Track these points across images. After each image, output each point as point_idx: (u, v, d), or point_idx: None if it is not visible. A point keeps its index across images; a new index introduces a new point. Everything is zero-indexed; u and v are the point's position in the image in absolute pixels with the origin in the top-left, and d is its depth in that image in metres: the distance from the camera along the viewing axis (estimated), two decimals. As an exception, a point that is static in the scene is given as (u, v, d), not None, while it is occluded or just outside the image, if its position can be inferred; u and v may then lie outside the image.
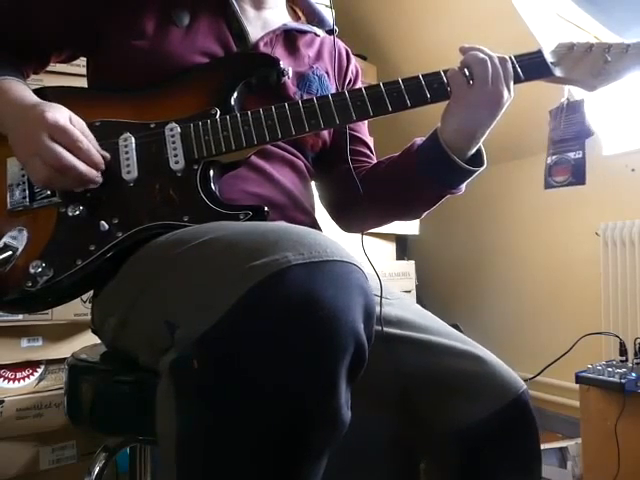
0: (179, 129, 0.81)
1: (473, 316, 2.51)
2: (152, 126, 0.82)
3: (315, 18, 1.03)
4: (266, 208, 0.77)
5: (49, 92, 0.86)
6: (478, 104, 0.83)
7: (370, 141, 1.08)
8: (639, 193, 1.98)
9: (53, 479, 1.44)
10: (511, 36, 2.05)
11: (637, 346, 1.65)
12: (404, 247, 2.52)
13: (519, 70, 0.86)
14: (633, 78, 0.88)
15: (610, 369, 1.58)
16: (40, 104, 0.78)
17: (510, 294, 2.44)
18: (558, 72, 0.87)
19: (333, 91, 0.98)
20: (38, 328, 1.42)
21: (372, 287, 0.59)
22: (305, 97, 0.92)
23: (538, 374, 1.73)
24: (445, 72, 0.85)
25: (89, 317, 0.92)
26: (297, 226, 0.60)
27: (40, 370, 1.45)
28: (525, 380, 0.83)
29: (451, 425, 0.77)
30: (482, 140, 0.87)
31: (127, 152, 0.80)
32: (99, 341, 0.89)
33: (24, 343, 1.41)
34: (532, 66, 0.87)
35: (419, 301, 2.21)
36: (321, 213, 1.05)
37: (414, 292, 2.25)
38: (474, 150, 0.87)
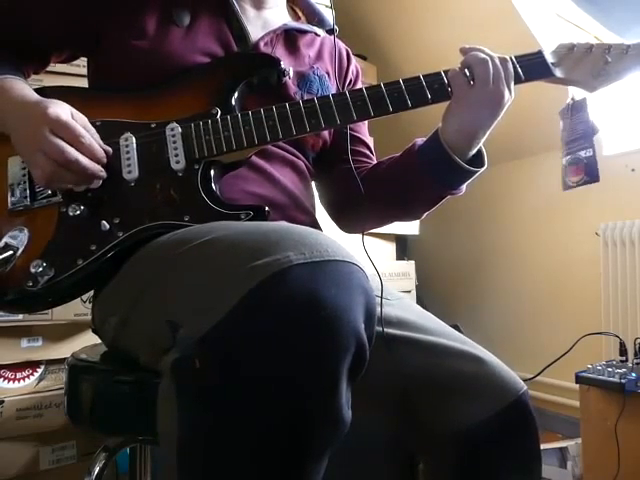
0: (180, 129, 0.81)
1: (473, 316, 2.51)
2: (153, 126, 0.82)
3: (315, 18, 1.03)
4: (267, 208, 0.77)
5: (49, 92, 0.86)
6: (479, 104, 0.83)
7: (370, 141, 1.08)
8: (639, 193, 1.98)
9: (53, 479, 1.44)
10: (511, 36, 2.05)
11: (637, 346, 1.65)
12: (404, 247, 2.52)
13: (520, 71, 0.86)
14: (633, 79, 0.88)
15: (610, 369, 1.58)
16: (42, 101, 0.78)
17: (510, 294, 2.44)
18: (558, 73, 0.88)
19: (334, 91, 0.98)
20: (38, 328, 1.42)
21: (373, 287, 0.59)
22: (306, 97, 0.92)
23: (538, 374, 1.72)
24: (446, 72, 0.85)
25: (89, 317, 0.92)
26: (299, 226, 0.60)
27: (40, 370, 1.45)
28: (525, 380, 0.83)
29: (451, 426, 0.77)
30: (483, 141, 0.87)
31: (128, 152, 0.80)
32: (99, 341, 0.89)
33: (24, 343, 1.41)
34: (533, 66, 0.87)
35: (419, 301, 2.21)
36: (321, 213, 1.05)
37: (414, 292, 2.25)
38: (475, 150, 0.87)
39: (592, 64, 0.87)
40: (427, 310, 0.92)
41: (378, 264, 0.86)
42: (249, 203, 0.82)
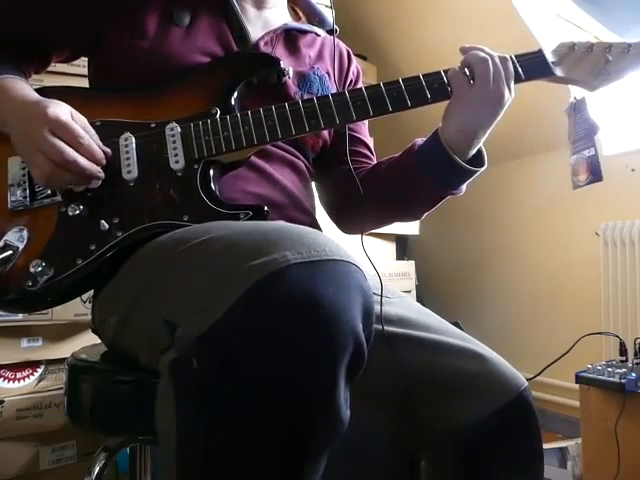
0: (179, 129, 0.81)
1: (473, 316, 2.51)
2: (152, 126, 0.82)
3: (316, 18, 1.03)
4: (266, 208, 0.77)
5: (50, 92, 0.86)
6: (479, 103, 0.83)
7: (370, 142, 1.08)
8: (639, 193, 1.98)
9: (53, 479, 1.44)
10: (511, 36, 2.05)
11: (637, 346, 1.65)
12: (404, 247, 2.52)
13: (520, 70, 0.86)
14: (634, 78, 0.88)
15: (610, 369, 1.58)
16: (42, 101, 0.78)
17: (510, 294, 2.44)
18: (559, 72, 0.87)
19: (334, 92, 0.98)
20: (38, 328, 1.42)
21: (372, 287, 0.59)
22: (306, 97, 0.92)
23: (538, 374, 1.72)
24: (445, 72, 0.85)
25: (89, 317, 0.92)
26: (297, 226, 0.60)
27: (40, 370, 1.45)
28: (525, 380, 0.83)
29: (452, 424, 0.77)
30: (483, 140, 0.87)
31: (127, 152, 0.80)
32: (99, 341, 0.89)
33: (24, 343, 1.41)
34: (533, 66, 0.87)
35: (419, 301, 2.20)
36: (321, 213, 1.05)
37: (414, 292, 2.25)
38: (475, 150, 0.87)
39: (593, 63, 0.87)
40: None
41: (378, 264, 0.86)
42: (248, 203, 0.82)
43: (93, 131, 0.79)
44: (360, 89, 0.84)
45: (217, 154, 0.80)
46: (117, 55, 0.88)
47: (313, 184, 1.05)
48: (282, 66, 0.87)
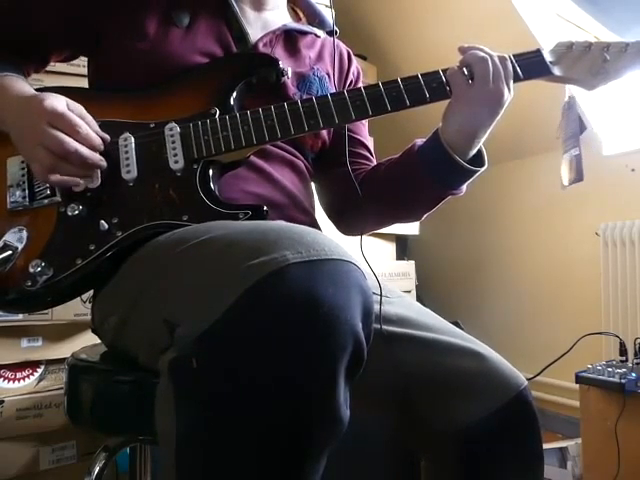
0: (179, 129, 0.81)
1: (473, 316, 2.51)
2: (152, 126, 0.82)
3: (316, 19, 1.03)
4: (265, 207, 0.77)
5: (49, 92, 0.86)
6: (479, 103, 0.83)
7: (370, 143, 1.07)
8: (639, 193, 1.98)
9: (53, 479, 1.44)
10: (511, 36, 2.05)
11: (637, 346, 1.65)
12: (404, 247, 2.52)
13: (518, 69, 0.86)
14: (632, 77, 0.88)
15: (610, 369, 1.58)
16: (37, 95, 0.78)
17: (510, 294, 2.44)
18: (557, 71, 0.87)
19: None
20: (38, 328, 1.42)
21: (371, 286, 0.59)
22: (305, 98, 0.92)
23: (538, 374, 1.72)
24: (444, 71, 0.85)
25: (89, 317, 0.92)
26: (297, 225, 0.60)
27: (40, 370, 1.45)
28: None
29: (451, 424, 0.77)
30: (483, 140, 0.87)
31: (127, 152, 0.80)
32: (99, 341, 0.89)
33: (24, 343, 1.41)
34: (531, 65, 0.87)
35: (419, 301, 2.19)
36: (321, 213, 1.05)
37: (414, 292, 2.25)
38: (475, 150, 0.87)
39: (591, 62, 0.87)
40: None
41: (378, 264, 0.86)
42: (248, 203, 0.82)
43: (90, 117, 0.79)
44: (359, 89, 0.84)
45: (216, 154, 0.80)
46: (117, 55, 0.88)
47: (313, 184, 1.05)
48: (281, 66, 0.87)
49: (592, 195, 2.05)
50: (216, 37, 0.90)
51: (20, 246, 0.76)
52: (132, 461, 0.95)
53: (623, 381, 1.51)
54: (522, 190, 2.39)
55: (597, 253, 2.03)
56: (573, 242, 2.19)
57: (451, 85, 0.84)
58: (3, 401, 1.37)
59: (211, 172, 0.80)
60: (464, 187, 0.91)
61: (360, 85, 1.07)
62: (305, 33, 1.00)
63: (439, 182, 0.89)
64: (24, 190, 0.81)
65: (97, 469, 0.85)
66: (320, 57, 1.01)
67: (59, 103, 0.77)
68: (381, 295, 0.80)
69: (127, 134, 0.81)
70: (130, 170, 0.79)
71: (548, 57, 0.87)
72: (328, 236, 0.59)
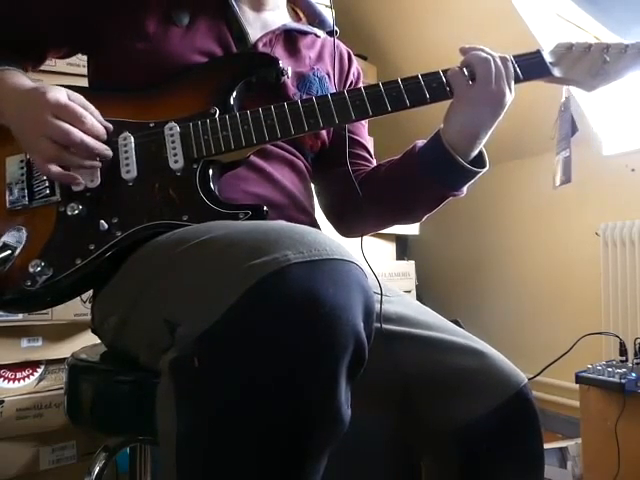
0: (178, 128, 0.81)
1: (473, 316, 2.51)
2: (151, 125, 0.82)
3: (316, 19, 1.03)
4: (265, 207, 0.77)
5: None
6: (481, 103, 0.83)
7: (369, 144, 1.07)
8: (639, 193, 1.98)
9: (53, 479, 1.44)
10: (511, 36, 2.04)
11: (637, 346, 1.65)
12: (404, 247, 2.52)
13: (518, 70, 0.86)
14: (632, 78, 0.88)
15: (610, 369, 1.58)
16: (38, 87, 0.79)
17: (510, 294, 2.44)
18: (557, 72, 0.88)
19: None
20: (38, 328, 1.42)
21: (371, 285, 0.59)
22: (304, 98, 0.91)
23: (538, 374, 1.72)
24: (444, 72, 0.85)
25: (89, 317, 0.92)
26: (297, 225, 0.60)
27: (40, 370, 1.45)
28: (525, 380, 0.83)
29: (451, 423, 0.77)
30: (484, 141, 0.86)
31: (126, 151, 0.80)
32: (99, 341, 0.89)
33: (24, 343, 1.41)
34: (531, 66, 0.87)
35: (419, 301, 2.20)
36: (321, 214, 1.05)
37: (414, 292, 2.25)
38: (476, 152, 0.87)
39: (590, 63, 0.87)
40: (427, 309, 0.92)
41: (378, 264, 0.86)
42: (248, 203, 0.82)
43: (93, 107, 0.80)
44: (359, 89, 0.84)
45: (216, 154, 0.80)
46: (116, 55, 0.88)
47: (312, 185, 1.04)
48: (281, 66, 0.87)
49: (592, 195, 2.05)
50: (216, 37, 0.90)
51: (19, 246, 0.76)
52: (132, 461, 0.95)
53: (623, 381, 1.51)
54: (522, 190, 2.39)
55: (597, 253, 2.03)
56: (573, 242, 2.19)
57: (452, 86, 0.84)
58: (3, 401, 1.37)
59: (211, 172, 0.80)
60: (465, 189, 0.91)
61: (360, 86, 1.07)
62: (305, 33, 1.00)
63: (439, 182, 0.89)
64: (23, 189, 0.80)
65: (97, 469, 0.85)
66: (320, 57, 1.01)
67: (61, 94, 0.77)
68: (381, 294, 0.80)
69: (127, 133, 0.81)
70: (130, 170, 0.79)
71: (548, 58, 0.87)
72: (328, 236, 0.59)
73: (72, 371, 0.83)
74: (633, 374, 1.53)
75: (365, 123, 1.07)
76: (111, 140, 0.80)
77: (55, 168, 0.76)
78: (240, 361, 0.51)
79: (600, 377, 1.58)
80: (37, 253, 0.76)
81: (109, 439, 0.88)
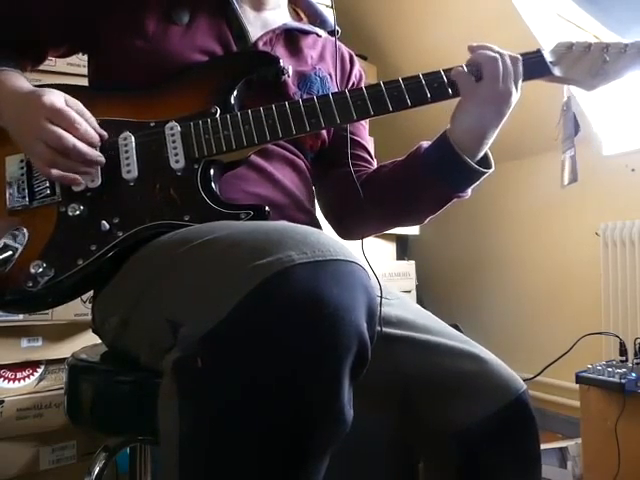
0: (179, 128, 0.81)
1: (473, 316, 2.51)
2: (152, 125, 0.82)
3: (317, 19, 1.03)
4: (267, 208, 0.77)
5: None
6: (488, 102, 0.83)
7: (370, 145, 1.06)
8: (639, 193, 1.98)
9: (53, 479, 1.44)
10: (511, 36, 2.04)
11: (637, 346, 1.65)
12: (404, 247, 2.52)
13: None
14: (632, 78, 0.88)
15: (610, 369, 1.58)
16: (35, 90, 0.79)
17: (510, 294, 2.44)
18: (557, 71, 0.87)
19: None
20: (38, 328, 1.42)
21: (373, 286, 0.59)
22: (305, 97, 0.91)
23: (538, 374, 1.72)
24: (445, 71, 0.85)
25: (89, 317, 0.92)
26: (300, 225, 0.60)
27: (40, 370, 1.45)
28: (525, 380, 0.83)
29: (450, 425, 0.77)
30: (491, 141, 0.86)
31: (127, 151, 0.80)
32: (99, 341, 0.89)
33: (24, 343, 1.41)
34: (532, 65, 0.87)
35: (419, 301, 2.21)
36: (320, 214, 1.04)
37: (414, 292, 2.25)
38: (483, 152, 0.87)
39: (590, 63, 0.87)
40: (427, 310, 0.92)
41: (378, 264, 0.86)
42: (249, 203, 0.82)
43: (89, 114, 0.79)
44: (360, 88, 0.84)
45: (217, 153, 0.80)
46: (116, 54, 0.88)
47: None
48: (281, 64, 0.87)
49: (592, 195, 2.05)
50: (216, 35, 0.90)
51: (20, 246, 0.76)
52: (132, 461, 0.95)
53: (623, 381, 1.51)
54: (522, 190, 2.39)
55: (597, 253, 2.03)
56: (573, 242, 2.19)
57: (459, 85, 0.83)
58: (3, 401, 1.37)
59: (212, 172, 0.80)
60: (469, 190, 0.90)
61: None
62: (306, 33, 0.99)
63: (445, 182, 0.88)
64: (24, 189, 0.80)
65: (97, 469, 0.85)
66: (322, 58, 1.00)
67: (57, 99, 0.77)
68: (381, 297, 0.80)
69: (127, 133, 0.81)
70: (131, 170, 0.79)
71: (548, 57, 0.87)
72: (331, 236, 0.59)
73: (72, 371, 0.83)
74: (633, 374, 1.53)
75: (366, 124, 1.07)
76: (111, 140, 0.80)
77: (55, 171, 0.76)
78: (243, 361, 0.50)
79: (600, 377, 1.58)
80: (38, 254, 0.76)
81: (109, 439, 0.88)
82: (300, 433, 0.51)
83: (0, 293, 0.75)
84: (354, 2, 2.49)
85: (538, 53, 0.87)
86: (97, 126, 0.79)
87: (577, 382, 1.64)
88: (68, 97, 0.79)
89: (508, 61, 0.83)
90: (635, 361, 1.62)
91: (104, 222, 0.76)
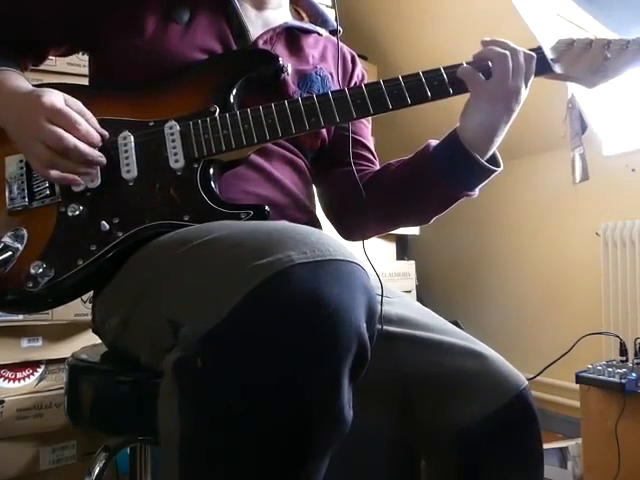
0: (178, 127, 0.81)
1: (473, 316, 2.51)
2: (151, 124, 0.82)
3: (319, 19, 1.03)
4: (267, 207, 0.77)
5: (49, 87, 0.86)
6: (497, 99, 0.82)
7: (372, 144, 1.06)
8: (639, 193, 1.98)
9: (53, 479, 1.44)
10: (511, 36, 2.03)
11: (637, 346, 1.65)
12: (404, 247, 2.52)
13: None
14: (632, 78, 0.88)
15: (610, 369, 1.58)
16: (35, 90, 0.78)
17: (510, 294, 2.44)
18: (558, 69, 0.87)
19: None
20: (38, 328, 1.42)
21: (373, 286, 0.59)
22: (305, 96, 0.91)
23: (538, 374, 1.72)
24: (446, 69, 0.84)
25: (89, 317, 0.92)
26: (300, 225, 0.60)
27: (40, 370, 1.45)
28: (525, 380, 0.83)
29: (451, 424, 0.77)
30: (501, 139, 0.85)
31: (126, 151, 0.80)
32: (99, 341, 0.89)
33: (24, 343, 1.41)
34: None
35: (419, 301, 2.19)
36: (321, 213, 1.04)
37: (414, 292, 2.25)
38: (493, 150, 0.86)
39: (591, 60, 0.87)
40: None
41: (378, 264, 0.86)
42: (249, 202, 0.82)
43: (89, 113, 0.79)
44: (360, 87, 0.83)
45: (217, 153, 0.80)
46: (116, 53, 0.88)
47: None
48: (281, 63, 0.87)
49: (592, 195, 2.04)
50: (216, 34, 0.90)
51: (20, 247, 0.76)
52: (132, 461, 0.95)
53: (623, 381, 1.51)
54: (522, 190, 2.39)
55: (597, 253, 2.03)
56: (573, 242, 2.19)
57: (467, 84, 0.83)
58: (3, 401, 1.37)
59: (212, 171, 0.80)
60: (477, 189, 0.89)
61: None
62: (308, 32, 0.99)
63: (455, 180, 0.87)
64: (23, 190, 0.80)
65: (97, 469, 0.85)
66: (323, 57, 1.00)
67: (57, 99, 0.76)
68: (382, 295, 0.80)
69: (126, 132, 0.81)
70: (130, 170, 0.79)
71: (549, 54, 0.87)
72: (331, 236, 0.59)
73: (72, 371, 0.83)
74: (633, 374, 1.53)
75: (368, 123, 1.06)
76: (111, 140, 0.80)
77: (54, 172, 0.76)
78: (243, 361, 0.50)
79: (600, 377, 1.58)
80: (38, 254, 0.76)
81: (109, 439, 0.88)
82: (300, 433, 0.51)
83: (0, 293, 0.75)
84: (354, 2, 2.49)
85: (539, 50, 0.87)
86: (98, 126, 0.79)
87: (577, 382, 1.64)
88: (68, 97, 0.79)
89: (521, 58, 0.83)
90: (635, 361, 1.62)
91: (104, 222, 0.76)
